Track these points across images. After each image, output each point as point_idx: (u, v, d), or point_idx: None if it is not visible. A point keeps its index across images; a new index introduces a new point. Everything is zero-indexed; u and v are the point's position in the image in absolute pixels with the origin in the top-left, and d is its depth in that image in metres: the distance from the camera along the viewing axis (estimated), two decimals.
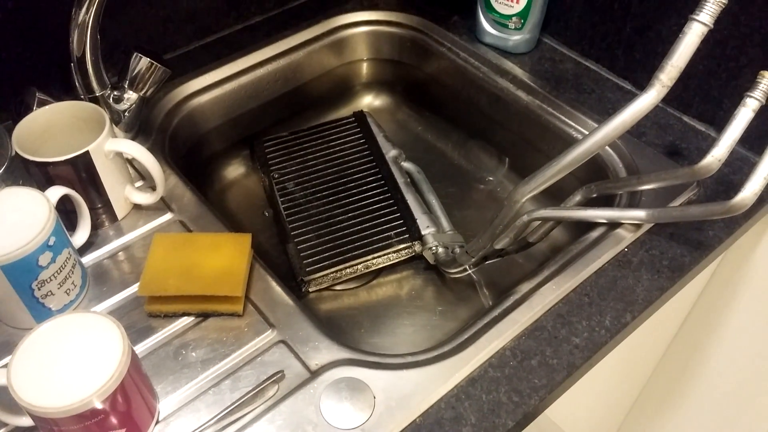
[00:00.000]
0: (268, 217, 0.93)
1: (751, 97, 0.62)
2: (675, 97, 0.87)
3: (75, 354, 0.51)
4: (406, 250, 0.85)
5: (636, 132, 0.85)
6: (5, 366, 0.51)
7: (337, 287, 0.86)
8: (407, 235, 0.85)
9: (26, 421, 0.56)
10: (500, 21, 0.94)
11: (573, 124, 0.88)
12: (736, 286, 0.98)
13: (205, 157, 0.97)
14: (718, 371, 1.09)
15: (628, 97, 0.89)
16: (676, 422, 1.22)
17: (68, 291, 0.64)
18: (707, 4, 0.57)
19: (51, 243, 0.60)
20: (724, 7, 0.57)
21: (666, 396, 1.22)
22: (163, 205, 0.77)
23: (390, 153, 0.95)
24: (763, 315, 0.97)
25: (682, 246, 0.74)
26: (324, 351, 0.64)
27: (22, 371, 0.50)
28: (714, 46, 0.80)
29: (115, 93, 0.78)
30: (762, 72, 0.62)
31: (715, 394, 1.12)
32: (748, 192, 0.63)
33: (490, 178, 1.01)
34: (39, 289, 0.61)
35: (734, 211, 0.64)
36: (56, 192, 0.64)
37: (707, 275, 1.00)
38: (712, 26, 0.57)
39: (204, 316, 0.66)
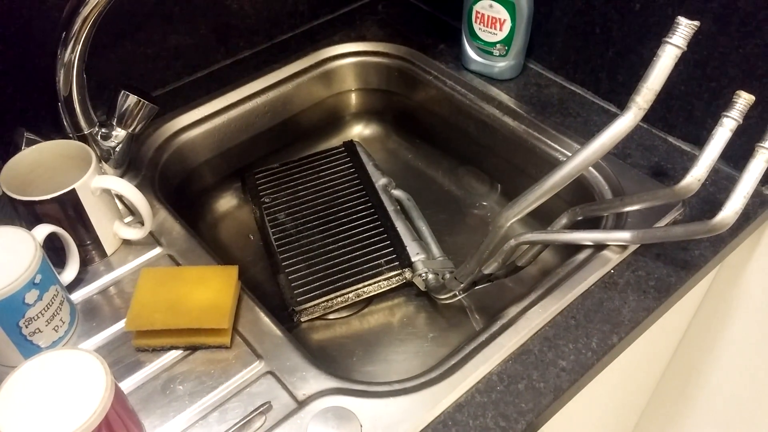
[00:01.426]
0: (260, 248, 0.93)
1: (727, 116, 0.63)
2: (659, 118, 0.88)
3: (58, 391, 0.52)
4: (396, 278, 0.86)
5: (621, 153, 0.86)
6: None
7: (329, 316, 0.87)
8: (397, 263, 0.85)
9: None
10: (485, 48, 0.96)
11: (559, 148, 0.89)
12: (731, 302, 0.98)
13: (196, 191, 0.97)
14: (718, 388, 1.09)
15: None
16: None
17: (56, 328, 0.65)
18: (680, 27, 0.57)
19: (37, 281, 0.60)
20: (696, 29, 0.58)
21: (668, 413, 1.21)
22: (153, 239, 0.77)
23: (380, 181, 0.96)
24: (759, 330, 0.97)
25: (669, 266, 0.74)
26: (311, 381, 0.64)
27: (5, 410, 0.50)
28: (695, 67, 0.81)
29: (104, 130, 0.79)
30: (738, 92, 0.63)
31: (717, 410, 1.12)
32: (729, 211, 0.63)
33: (483, 203, 1.01)
34: (27, 327, 0.62)
35: (716, 231, 0.64)
36: (43, 230, 0.65)
37: (702, 292, 1.00)
38: (685, 48, 0.58)
39: (192, 349, 0.67)
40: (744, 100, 0.63)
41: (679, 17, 0.57)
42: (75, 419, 0.50)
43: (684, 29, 0.58)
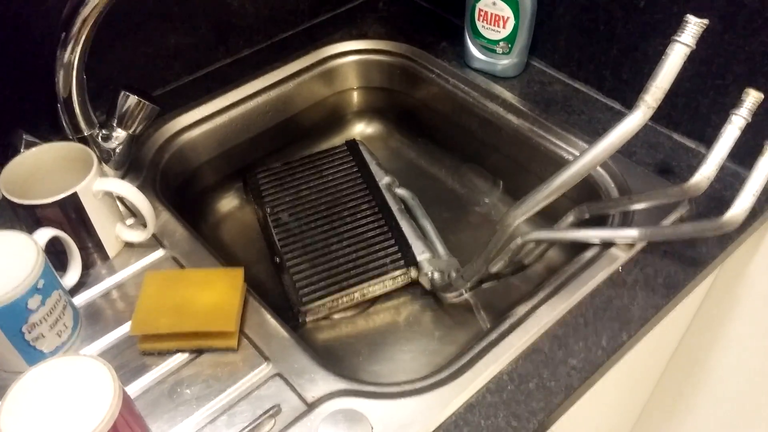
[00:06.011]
0: (263, 249, 0.92)
1: (736, 115, 0.62)
2: (664, 115, 0.87)
3: (66, 398, 0.51)
4: (401, 277, 0.85)
5: (626, 151, 0.85)
6: None
7: (335, 316, 0.86)
8: (402, 262, 0.85)
9: None
10: (488, 46, 0.95)
11: (563, 145, 0.88)
12: (733, 298, 0.98)
13: (197, 191, 0.97)
14: (720, 383, 1.09)
15: (618, 117, 0.89)
16: None
17: (60, 333, 0.64)
18: (688, 25, 0.57)
19: (40, 286, 0.60)
20: (705, 27, 0.57)
21: (670, 408, 1.21)
22: (155, 241, 0.76)
23: (383, 180, 0.95)
24: (762, 326, 0.97)
25: (676, 263, 0.73)
26: (320, 382, 0.63)
27: (12, 418, 0.50)
28: (700, 64, 0.80)
29: (104, 132, 0.78)
30: (747, 90, 0.62)
31: (719, 405, 1.11)
32: (738, 209, 0.62)
33: (486, 201, 1.01)
34: (30, 333, 0.61)
35: (725, 229, 0.64)
36: (44, 234, 0.64)
37: (704, 289, 0.99)
38: (694, 47, 0.57)
39: (198, 352, 0.66)
40: (753, 98, 0.62)
41: (688, 16, 0.57)
42: (83, 427, 0.49)
43: (693, 28, 0.57)
